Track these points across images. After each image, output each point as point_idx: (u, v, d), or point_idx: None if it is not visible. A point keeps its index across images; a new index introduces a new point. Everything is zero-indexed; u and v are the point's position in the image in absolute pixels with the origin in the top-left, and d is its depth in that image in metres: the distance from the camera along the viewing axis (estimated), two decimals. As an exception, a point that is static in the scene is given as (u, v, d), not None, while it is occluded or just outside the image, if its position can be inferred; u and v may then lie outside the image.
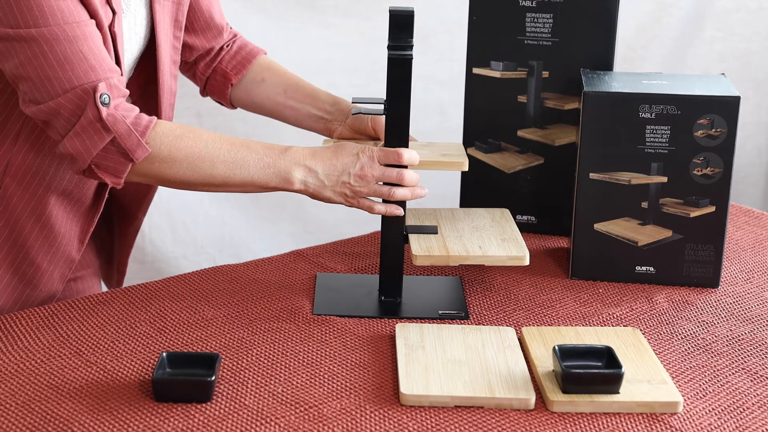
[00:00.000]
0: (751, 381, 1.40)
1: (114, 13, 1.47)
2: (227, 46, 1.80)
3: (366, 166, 1.51)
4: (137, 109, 1.46)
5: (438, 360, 1.39)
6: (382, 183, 1.53)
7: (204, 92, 1.84)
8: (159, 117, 1.63)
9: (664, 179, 1.65)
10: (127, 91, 1.46)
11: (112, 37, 1.47)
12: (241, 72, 1.79)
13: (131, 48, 1.56)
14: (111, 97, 1.42)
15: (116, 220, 1.77)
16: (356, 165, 1.51)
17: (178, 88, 1.84)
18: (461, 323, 1.53)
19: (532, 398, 1.31)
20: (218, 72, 1.80)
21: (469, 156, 1.64)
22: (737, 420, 1.31)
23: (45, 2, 1.37)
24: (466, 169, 1.59)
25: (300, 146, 1.53)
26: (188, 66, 1.81)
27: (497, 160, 1.85)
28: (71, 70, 1.39)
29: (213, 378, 1.30)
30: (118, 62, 1.49)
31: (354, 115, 1.70)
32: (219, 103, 1.84)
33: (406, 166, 1.53)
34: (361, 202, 1.53)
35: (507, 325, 1.53)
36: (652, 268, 1.68)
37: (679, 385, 1.38)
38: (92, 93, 1.40)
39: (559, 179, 1.83)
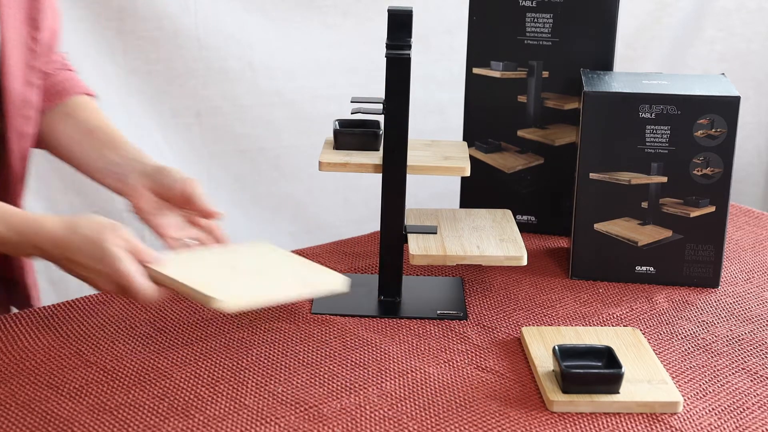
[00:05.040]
0: (751, 381, 1.40)
1: None
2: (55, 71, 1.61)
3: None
4: None
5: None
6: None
7: None
8: (7, 131, 1.46)
9: (664, 179, 1.65)
10: None
11: None
12: (55, 101, 1.58)
13: None
14: None
15: None
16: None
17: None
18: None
19: None
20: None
21: (469, 156, 1.64)
22: (737, 420, 1.31)
23: None
24: (468, 174, 1.58)
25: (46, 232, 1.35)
26: None
27: (497, 160, 1.85)
28: None
29: None
30: None
31: (157, 180, 1.47)
32: None
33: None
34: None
35: (507, 325, 1.53)
36: (652, 268, 1.68)
37: (679, 385, 1.38)
38: None
39: (559, 179, 1.83)
